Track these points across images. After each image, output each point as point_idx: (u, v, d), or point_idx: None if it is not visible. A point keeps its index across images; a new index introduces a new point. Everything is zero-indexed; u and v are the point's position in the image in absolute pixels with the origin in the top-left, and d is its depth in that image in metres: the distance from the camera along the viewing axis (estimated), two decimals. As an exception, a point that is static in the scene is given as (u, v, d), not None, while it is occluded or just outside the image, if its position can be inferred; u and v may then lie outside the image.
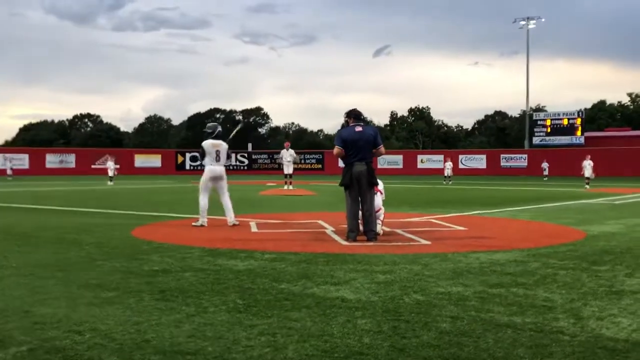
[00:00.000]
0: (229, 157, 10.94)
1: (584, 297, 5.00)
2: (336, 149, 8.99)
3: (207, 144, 10.75)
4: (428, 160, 62.50)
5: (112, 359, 3.44)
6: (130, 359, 3.45)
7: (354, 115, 9.13)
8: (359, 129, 8.93)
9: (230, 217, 10.65)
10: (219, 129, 10.93)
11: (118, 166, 36.79)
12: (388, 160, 62.87)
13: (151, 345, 3.66)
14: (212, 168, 10.76)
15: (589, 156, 31.49)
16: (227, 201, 10.78)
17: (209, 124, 11.38)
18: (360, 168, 8.76)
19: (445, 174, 38.15)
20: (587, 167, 30.37)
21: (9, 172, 47.42)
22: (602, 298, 4.98)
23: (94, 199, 19.32)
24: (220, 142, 10.83)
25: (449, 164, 39.09)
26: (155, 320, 4.22)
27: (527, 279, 5.75)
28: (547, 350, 3.60)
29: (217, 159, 10.76)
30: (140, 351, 3.56)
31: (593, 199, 19.66)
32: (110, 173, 35.58)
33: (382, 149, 9.01)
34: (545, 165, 47.44)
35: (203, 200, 10.66)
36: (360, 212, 8.92)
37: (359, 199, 8.87)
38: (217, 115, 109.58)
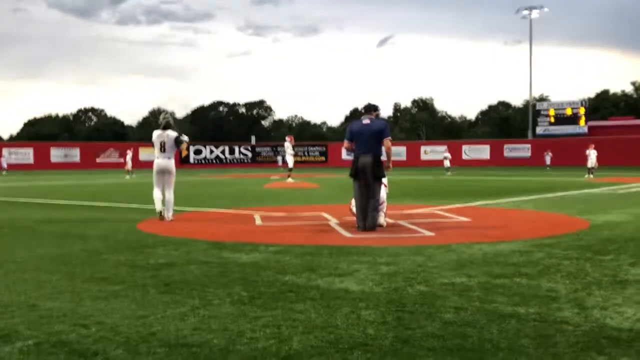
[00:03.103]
0: (178, 145, 10.44)
1: (587, 287, 5.00)
2: (345, 143, 9.36)
3: (153, 135, 10.53)
4: (432, 152, 62.45)
5: (118, 352, 3.46)
6: (136, 352, 3.47)
7: (364, 108, 9.36)
8: (366, 121, 9.08)
9: (168, 214, 10.34)
10: (167, 119, 10.55)
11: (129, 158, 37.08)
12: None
13: (157, 338, 3.68)
14: (157, 162, 10.49)
15: (593, 145, 31.47)
16: (168, 196, 10.40)
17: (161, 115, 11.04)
18: (365, 160, 8.86)
19: (445, 165, 38.11)
20: (592, 156, 30.34)
21: (4, 165, 47.61)
22: (606, 288, 4.99)
23: (98, 193, 19.36)
24: (166, 132, 10.43)
25: (448, 155, 39.11)
26: (161, 314, 4.24)
27: (531, 269, 5.75)
28: (551, 341, 3.61)
29: (162, 149, 10.40)
30: (146, 344, 3.58)
31: (597, 188, 19.62)
32: (129, 167, 35.82)
33: (387, 142, 9.04)
34: (547, 154, 47.35)
35: (154, 193, 10.47)
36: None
37: (366, 189, 8.96)
38: (221, 109, 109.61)
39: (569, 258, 6.35)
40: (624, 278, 5.37)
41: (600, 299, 4.60)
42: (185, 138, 10.53)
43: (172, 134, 10.41)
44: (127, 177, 33.92)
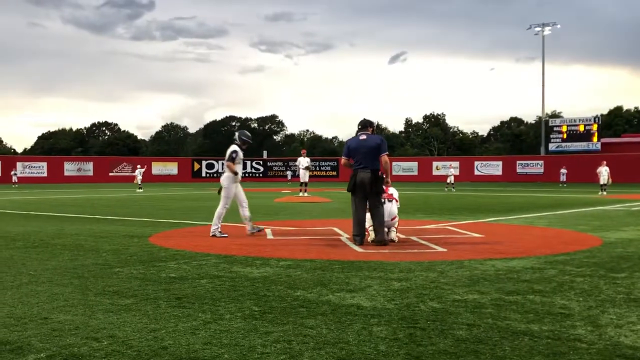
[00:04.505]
0: (231, 160, 10.30)
1: (601, 305, 4.96)
2: (343, 160, 9.40)
3: None
4: (443, 167, 62.29)
5: (130, 366, 3.46)
6: (147, 365, 3.47)
7: (361, 124, 9.39)
8: (363, 137, 9.18)
9: (248, 224, 10.26)
10: (235, 136, 10.65)
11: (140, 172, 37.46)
12: (403, 167, 62.84)
13: (168, 352, 3.68)
14: None
15: (604, 162, 31.34)
16: (217, 209, 10.25)
17: None
18: (363, 175, 8.95)
19: (448, 181, 37.76)
20: (604, 173, 30.21)
21: (14, 179, 48.13)
22: (620, 305, 4.94)
23: (111, 207, 19.45)
24: (229, 146, 10.51)
25: (452, 171, 38.89)
26: (172, 327, 4.24)
27: (544, 286, 5.71)
28: (564, 358, 3.58)
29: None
30: (157, 358, 3.58)
31: (610, 205, 19.48)
32: (137, 180, 36.17)
33: (384, 157, 9.10)
34: (563, 171, 47.01)
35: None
36: (368, 218, 9.06)
37: (366, 205, 9.01)
38: (233, 123, 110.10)
39: (583, 275, 6.30)
40: (638, 296, 5.32)
41: (615, 316, 4.56)
42: (236, 167, 10.31)
43: (230, 148, 10.41)
44: (139, 190, 34.15)
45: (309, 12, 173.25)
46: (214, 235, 9.99)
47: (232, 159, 10.30)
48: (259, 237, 10.01)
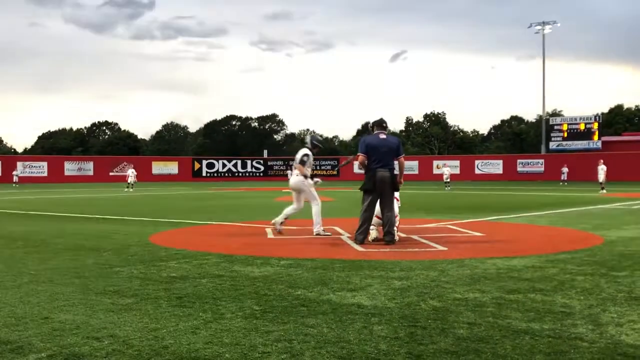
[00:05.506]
0: (302, 162, 10.30)
1: (602, 303, 4.95)
2: (361, 157, 9.16)
3: None
4: (444, 166, 62.33)
5: (130, 365, 3.45)
6: (148, 365, 3.46)
7: (378, 124, 9.37)
8: (382, 136, 9.20)
9: (277, 223, 10.29)
10: (306, 139, 10.70)
11: (136, 173, 37.60)
12: (404, 166, 62.69)
13: (169, 352, 3.68)
14: None
15: (602, 161, 31.50)
16: (313, 210, 10.27)
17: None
18: (383, 174, 8.96)
19: (445, 180, 37.58)
20: (601, 171, 30.41)
21: (15, 179, 48.25)
22: (621, 304, 4.93)
23: (111, 206, 19.45)
24: (301, 149, 10.64)
25: (447, 170, 38.72)
26: (173, 327, 4.24)
27: (545, 285, 5.70)
28: (565, 357, 3.57)
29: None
30: (158, 357, 3.58)
31: (610, 203, 19.47)
32: (130, 180, 36.18)
33: (402, 159, 9.17)
34: (564, 169, 46.91)
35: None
36: (375, 217, 9.05)
37: (380, 203, 9.02)
38: (233, 122, 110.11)
39: (584, 274, 6.30)
40: (639, 295, 5.31)
41: (616, 315, 4.55)
42: (305, 170, 10.27)
43: (301, 151, 10.47)
44: (125, 190, 34.19)
45: (308, 11, 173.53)
46: (318, 234, 9.95)
47: (302, 162, 10.32)
48: (259, 236, 10.00)
